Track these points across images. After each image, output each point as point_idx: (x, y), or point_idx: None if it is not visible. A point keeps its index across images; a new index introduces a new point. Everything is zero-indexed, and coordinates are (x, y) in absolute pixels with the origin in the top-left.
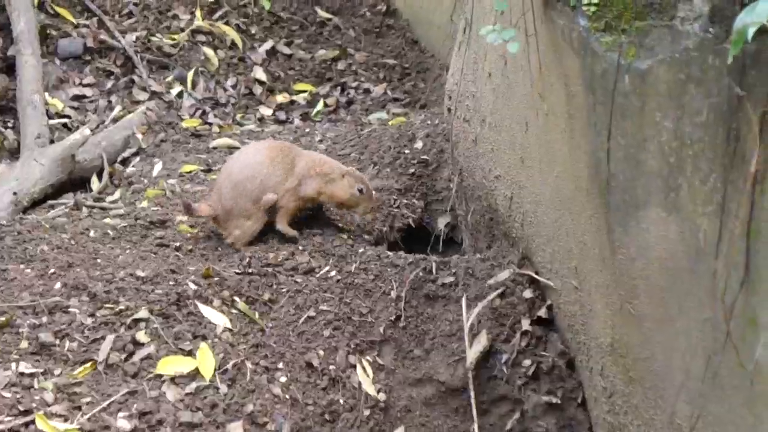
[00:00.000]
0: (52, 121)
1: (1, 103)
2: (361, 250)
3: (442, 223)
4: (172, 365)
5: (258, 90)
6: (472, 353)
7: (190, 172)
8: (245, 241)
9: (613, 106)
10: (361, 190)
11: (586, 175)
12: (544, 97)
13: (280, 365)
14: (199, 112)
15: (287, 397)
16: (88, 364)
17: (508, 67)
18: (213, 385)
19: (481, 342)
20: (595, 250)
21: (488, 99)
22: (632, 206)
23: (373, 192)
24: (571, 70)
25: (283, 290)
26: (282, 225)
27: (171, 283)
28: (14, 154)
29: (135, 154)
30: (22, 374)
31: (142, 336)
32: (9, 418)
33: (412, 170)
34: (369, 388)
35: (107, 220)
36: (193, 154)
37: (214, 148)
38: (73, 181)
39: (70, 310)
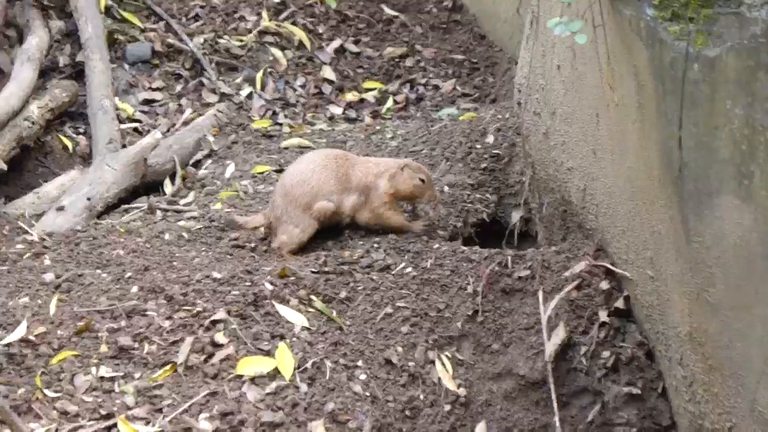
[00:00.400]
0: (122, 126)
1: (72, 108)
2: (436, 246)
3: (515, 216)
4: (251, 366)
5: (327, 89)
6: (551, 346)
7: (262, 172)
8: (290, 249)
9: (683, 95)
10: (422, 180)
11: (659, 165)
12: (614, 88)
13: (360, 363)
14: (269, 112)
15: (367, 394)
16: (168, 367)
17: (577, 59)
18: (293, 384)
19: (560, 334)
20: (670, 240)
21: (558, 91)
22: (705, 194)
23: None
24: (640, 60)
25: (360, 288)
26: (408, 228)
27: (247, 283)
28: (86, 159)
29: (207, 157)
30: (102, 378)
31: (220, 337)
32: (91, 423)
33: (484, 165)
34: (449, 384)
35: (181, 223)
36: (265, 155)
37: (286, 148)
38: (146, 184)
39: (147, 313)
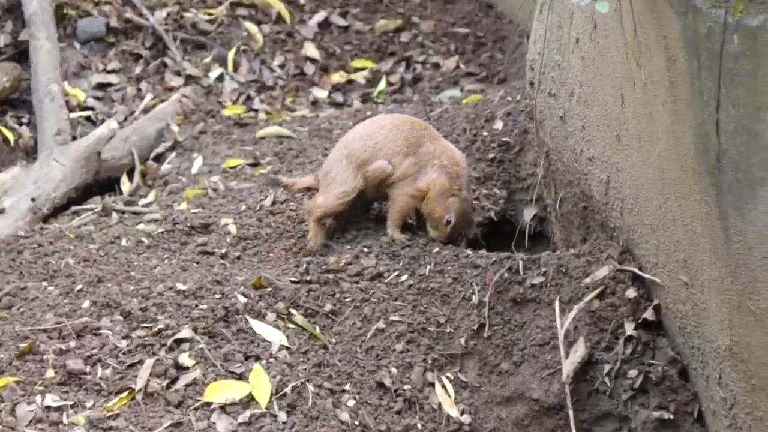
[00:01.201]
0: (73, 115)
1: (14, 95)
2: (435, 250)
3: (528, 215)
4: (221, 391)
5: (310, 69)
6: (569, 364)
7: (235, 167)
8: (320, 214)
9: (721, 71)
10: (448, 222)
11: (693, 153)
12: (641, 64)
13: (347, 387)
14: (243, 97)
15: (356, 423)
16: (125, 394)
17: (598, 31)
18: (270, 412)
19: (579, 351)
20: (707, 239)
21: (576, 69)
22: (747, 186)
23: (455, 230)
24: (671, 31)
25: (347, 300)
26: (393, 228)
27: (217, 296)
28: (31, 154)
29: (170, 149)
30: (48, 408)
31: (185, 359)
32: None
33: (491, 155)
34: (451, 410)
35: (141, 227)
36: (238, 146)
37: (262, 138)
38: (100, 182)
39: (101, 331)
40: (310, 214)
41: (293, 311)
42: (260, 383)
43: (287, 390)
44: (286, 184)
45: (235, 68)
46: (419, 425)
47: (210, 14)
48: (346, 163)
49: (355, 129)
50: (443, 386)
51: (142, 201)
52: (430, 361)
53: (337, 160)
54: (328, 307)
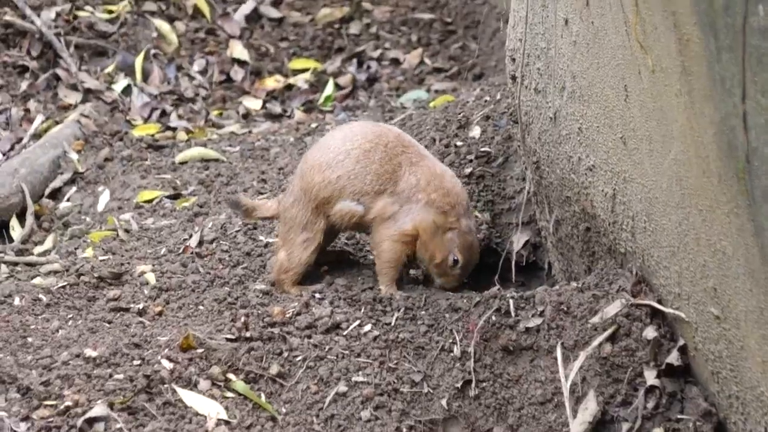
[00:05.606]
0: None
1: None
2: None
3: (518, 242)
4: None
5: (238, 74)
6: (579, 425)
7: (151, 201)
8: (294, 277)
9: (744, 52)
10: (455, 261)
11: (717, 154)
12: (647, 48)
13: None
14: (157, 113)
15: None
16: None
17: (592, 9)
18: None
19: (590, 408)
20: (740, 262)
21: (567, 57)
22: None
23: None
24: (681, 4)
25: (298, 359)
26: (386, 285)
27: (136, 362)
28: None
29: (69, 183)
30: None
31: None
32: None
33: (469, 170)
34: None
35: (37, 281)
36: (153, 175)
37: (183, 162)
38: None
39: None
40: (279, 284)
41: (232, 376)
42: None
43: None
44: (247, 207)
45: (145, 77)
46: None
47: (110, 12)
48: (305, 201)
49: (313, 152)
50: None
51: (38, 249)
52: (405, 429)
53: (295, 195)
54: (274, 369)
